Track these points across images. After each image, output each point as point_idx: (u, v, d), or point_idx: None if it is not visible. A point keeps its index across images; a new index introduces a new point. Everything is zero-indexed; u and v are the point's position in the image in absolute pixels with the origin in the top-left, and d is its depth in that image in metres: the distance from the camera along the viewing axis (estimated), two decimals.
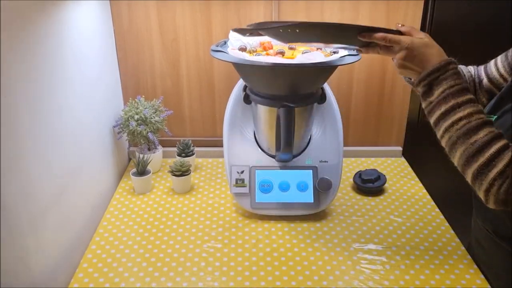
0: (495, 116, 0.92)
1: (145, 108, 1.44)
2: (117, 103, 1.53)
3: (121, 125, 1.44)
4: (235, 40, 1.23)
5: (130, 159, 1.61)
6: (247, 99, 1.24)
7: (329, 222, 1.26)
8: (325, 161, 1.29)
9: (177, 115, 1.59)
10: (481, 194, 0.81)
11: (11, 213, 0.86)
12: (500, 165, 0.77)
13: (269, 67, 1.06)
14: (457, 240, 1.19)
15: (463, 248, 1.16)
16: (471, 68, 1.09)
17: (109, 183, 1.41)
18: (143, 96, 1.51)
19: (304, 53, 1.14)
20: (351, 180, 1.45)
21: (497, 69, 1.02)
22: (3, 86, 0.83)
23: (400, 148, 1.65)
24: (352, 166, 1.58)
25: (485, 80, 1.05)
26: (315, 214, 1.28)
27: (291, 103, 1.14)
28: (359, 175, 1.43)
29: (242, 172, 1.27)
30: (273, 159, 1.29)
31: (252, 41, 1.25)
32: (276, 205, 1.26)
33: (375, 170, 1.44)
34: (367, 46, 0.94)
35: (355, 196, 1.40)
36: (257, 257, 1.13)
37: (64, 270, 1.08)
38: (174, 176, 1.38)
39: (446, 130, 0.83)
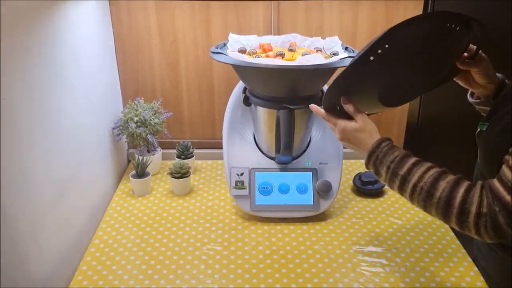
0: (487, 124, 0.93)
1: (145, 110, 1.44)
2: (116, 105, 1.52)
3: (120, 127, 1.44)
4: (235, 42, 1.23)
5: (129, 161, 1.60)
6: (246, 101, 1.24)
7: (329, 224, 1.26)
8: (325, 163, 1.29)
9: (176, 117, 1.59)
10: (476, 237, 0.80)
11: (10, 216, 0.86)
12: (473, 209, 0.77)
13: (269, 69, 1.06)
14: (457, 242, 1.19)
15: (463, 250, 1.16)
16: None
17: (108, 185, 1.41)
18: (143, 98, 1.51)
19: (304, 55, 1.14)
20: (351, 182, 1.45)
21: None
22: (3, 88, 0.82)
23: None
24: (351, 168, 1.58)
25: None
26: (315, 216, 1.28)
27: (291, 105, 1.14)
28: (358, 177, 1.43)
29: (242, 174, 1.27)
30: (273, 161, 1.29)
31: (252, 42, 1.25)
32: (276, 207, 1.25)
33: None
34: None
35: (355, 198, 1.39)
36: (257, 259, 1.12)
37: (63, 273, 1.08)
38: (173, 178, 1.38)
39: (411, 198, 0.85)
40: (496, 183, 0.77)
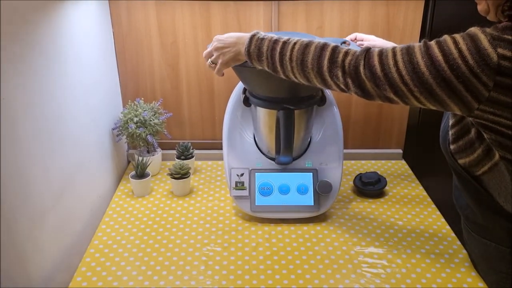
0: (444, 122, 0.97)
1: (144, 111, 1.44)
2: (116, 105, 1.52)
3: (120, 128, 1.43)
4: None
5: (129, 162, 1.60)
6: (246, 102, 1.23)
7: (330, 225, 1.26)
8: (325, 164, 1.28)
9: (176, 117, 1.59)
10: (341, 83, 0.88)
11: (9, 216, 0.86)
12: (342, 50, 0.87)
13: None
14: (458, 243, 1.18)
15: (464, 251, 1.15)
16: None
17: (108, 186, 1.40)
18: (142, 98, 1.51)
19: None
20: (352, 183, 1.44)
21: None
22: (3, 88, 0.82)
23: (401, 151, 1.65)
24: (352, 168, 1.57)
25: None
26: (316, 217, 1.27)
27: (291, 106, 1.14)
28: (359, 177, 1.43)
29: (242, 175, 1.26)
30: (273, 162, 1.29)
31: None
32: (276, 208, 1.25)
33: (375, 172, 1.43)
34: None
35: (356, 199, 1.39)
36: (257, 261, 1.12)
37: (62, 273, 1.07)
38: (173, 179, 1.37)
39: (290, 60, 0.92)
40: (375, 54, 0.84)
